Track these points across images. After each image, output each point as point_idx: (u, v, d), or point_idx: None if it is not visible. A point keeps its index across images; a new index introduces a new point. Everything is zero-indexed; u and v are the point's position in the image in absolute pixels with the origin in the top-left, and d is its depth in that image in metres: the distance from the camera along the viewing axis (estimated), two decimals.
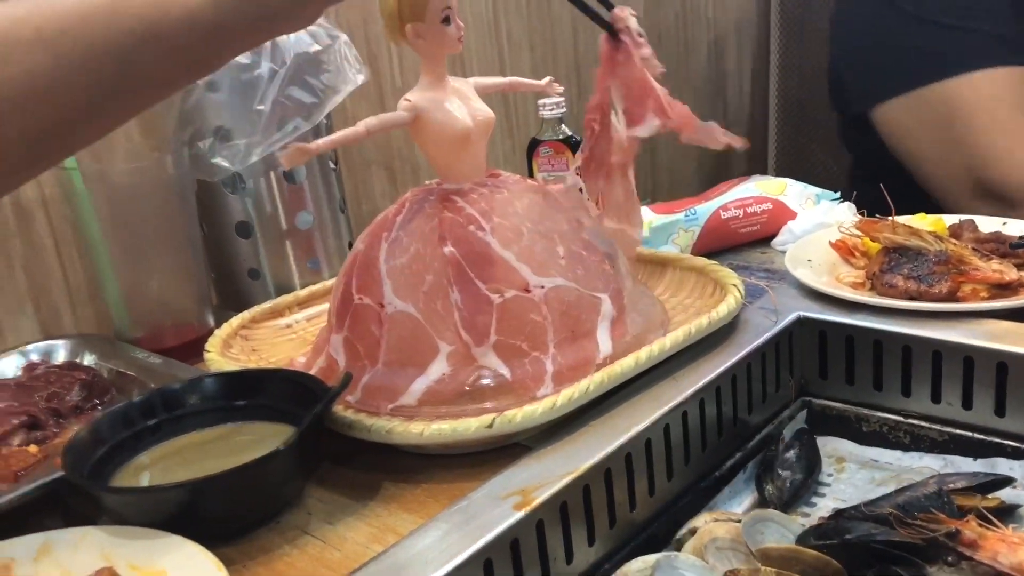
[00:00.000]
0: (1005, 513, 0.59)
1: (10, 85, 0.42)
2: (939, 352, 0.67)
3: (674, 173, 1.65)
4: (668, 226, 0.93)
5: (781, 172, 1.78)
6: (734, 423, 0.69)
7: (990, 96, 1.07)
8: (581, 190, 0.74)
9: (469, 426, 0.57)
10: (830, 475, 0.68)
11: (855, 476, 0.68)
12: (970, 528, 0.54)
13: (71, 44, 0.43)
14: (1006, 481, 0.61)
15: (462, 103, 0.68)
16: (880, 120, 1.16)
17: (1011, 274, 0.73)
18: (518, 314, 0.63)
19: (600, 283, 0.67)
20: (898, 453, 0.69)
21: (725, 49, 1.72)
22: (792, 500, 0.64)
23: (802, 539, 0.56)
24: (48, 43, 0.43)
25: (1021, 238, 0.77)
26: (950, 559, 0.54)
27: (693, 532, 0.59)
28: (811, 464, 0.67)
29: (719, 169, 1.74)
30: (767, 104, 1.79)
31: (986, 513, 0.55)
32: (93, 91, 0.45)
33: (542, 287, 0.64)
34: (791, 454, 0.67)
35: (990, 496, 0.59)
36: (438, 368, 0.63)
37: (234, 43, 0.48)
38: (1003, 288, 0.73)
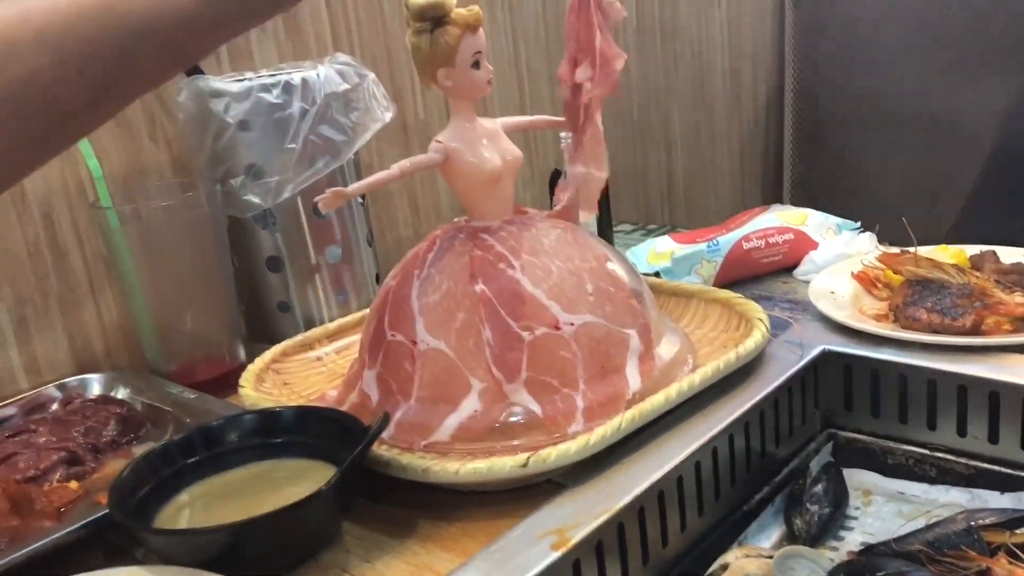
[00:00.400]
0: None
1: (14, 86, 0.43)
2: (964, 387, 0.68)
3: (691, 201, 1.66)
4: (691, 257, 0.94)
5: (796, 196, 1.79)
6: (762, 457, 0.70)
7: None
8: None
9: (504, 465, 0.58)
10: (857, 508, 0.69)
11: (882, 509, 0.69)
12: (1000, 565, 0.54)
13: (71, 43, 0.44)
14: None
15: (492, 144, 0.70)
16: None
17: None
18: (549, 351, 0.65)
19: (628, 319, 0.68)
20: (925, 486, 0.70)
21: (740, 75, 1.73)
22: (820, 534, 0.65)
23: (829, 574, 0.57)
24: (50, 43, 0.43)
25: None
26: None
27: (724, 568, 0.60)
28: (838, 497, 0.68)
29: (735, 196, 1.76)
30: (782, 129, 1.80)
31: (1015, 550, 0.56)
32: (92, 86, 0.45)
33: (572, 324, 0.65)
34: (819, 488, 0.68)
35: (1018, 532, 0.60)
36: (470, 405, 0.64)
37: (223, 35, 0.49)
38: None
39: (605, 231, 0.99)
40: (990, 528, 0.59)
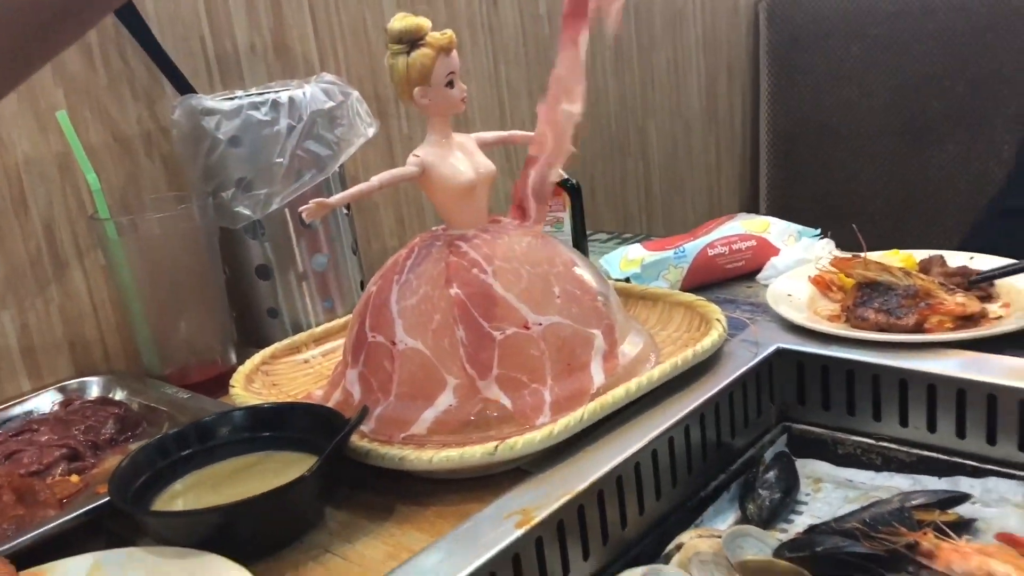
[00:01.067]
0: (963, 527, 0.64)
1: None
2: (905, 380, 0.73)
3: (669, 212, 1.71)
4: (659, 263, 0.99)
5: (772, 206, 1.85)
6: (718, 447, 0.75)
7: None
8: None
9: (475, 453, 0.63)
10: (807, 494, 0.74)
11: (831, 495, 0.73)
12: (927, 540, 0.59)
13: None
14: (964, 497, 0.66)
15: (466, 157, 0.75)
16: None
17: (973, 307, 0.79)
18: (518, 349, 0.69)
19: (593, 320, 0.73)
20: (871, 473, 0.75)
21: (716, 90, 1.79)
22: (771, 518, 0.70)
23: (777, 552, 0.62)
24: None
25: (980, 274, 0.83)
26: (910, 568, 0.60)
27: (680, 548, 0.64)
28: (789, 484, 0.73)
29: (712, 207, 1.81)
30: (758, 141, 1.86)
31: (943, 526, 0.61)
32: (42, 16, 0.46)
33: (540, 324, 0.70)
34: (771, 475, 0.73)
35: (949, 511, 0.65)
36: (445, 400, 0.69)
37: None
38: (967, 320, 0.79)
39: (579, 240, 1.04)
40: (922, 508, 0.64)
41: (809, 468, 0.77)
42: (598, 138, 1.55)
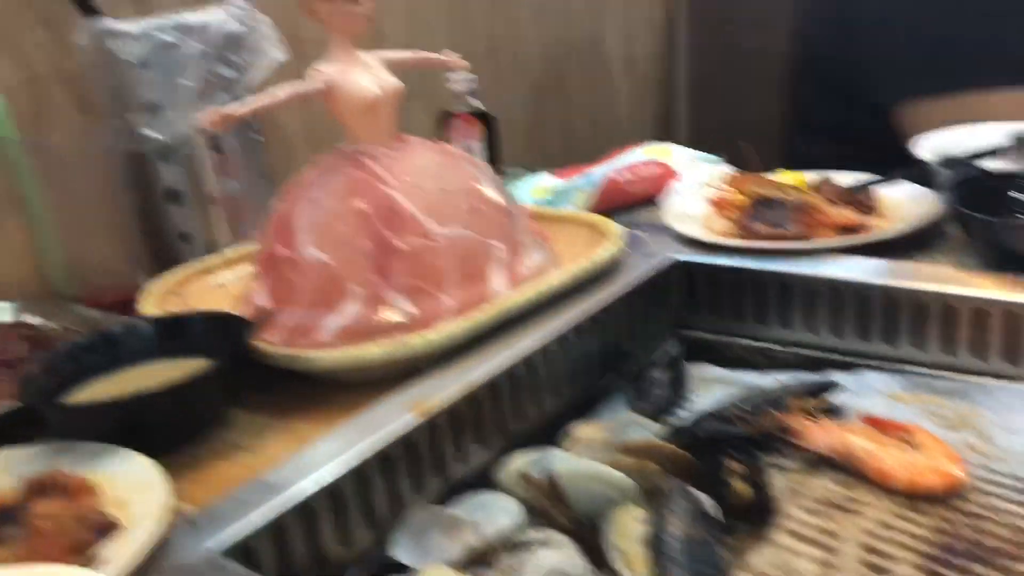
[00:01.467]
0: (833, 413, 0.69)
1: None
2: (787, 284, 0.78)
3: (588, 152, 1.74)
4: (568, 190, 1.02)
5: (692, 142, 1.89)
6: (613, 351, 0.78)
7: None
8: None
9: (375, 351, 0.66)
10: (696, 394, 0.78)
11: (717, 394, 0.78)
12: (795, 421, 0.64)
13: None
14: (834, 385, 0.71)
15: (370, 74, 0.77)
16: None
17: (854, 218, 0.84)
18: (422, 260, 0.72)
19: (496, 233, 0.76)
20: (756, 374, 0.80)
21: (635, 32, 1.82)
22: (660, 412, 0.74)
23: (660, 437, 0.66)
24: None
25: (857, 184, 0.89)
26: (780, 448, 0.64)
27: (570, 436, 0.68)
28: (678, 384, 0.77)
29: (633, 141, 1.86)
30: (676, 82, 1.90)
31: (811, 409, 0.66)
32: None
33: (444, 236, 0.73)
34: (662, 376, 0.77)
35: (820, 397, 0.70)
36: (352, 309, 0.71)
37: None
38: (850, 230, 0.84)
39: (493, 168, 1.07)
40: (795, 396, 0.69)
41: (700, 371, 0.81)
42: (519, 81, 1.57)
